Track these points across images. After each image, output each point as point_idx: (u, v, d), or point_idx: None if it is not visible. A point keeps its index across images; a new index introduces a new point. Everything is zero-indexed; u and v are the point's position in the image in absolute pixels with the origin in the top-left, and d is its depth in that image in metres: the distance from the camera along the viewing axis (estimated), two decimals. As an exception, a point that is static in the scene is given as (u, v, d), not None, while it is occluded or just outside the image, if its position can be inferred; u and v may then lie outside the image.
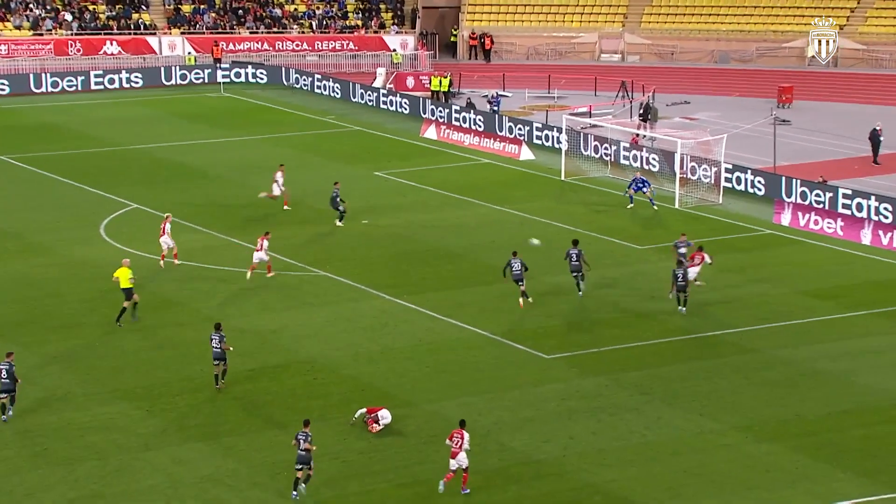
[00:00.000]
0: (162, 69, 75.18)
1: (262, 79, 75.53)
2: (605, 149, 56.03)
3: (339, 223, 45.38)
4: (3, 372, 29.83)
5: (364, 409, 29.54)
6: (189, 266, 40.94)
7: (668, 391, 31.78)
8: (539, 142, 59.49)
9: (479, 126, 62.04)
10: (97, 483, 26.98)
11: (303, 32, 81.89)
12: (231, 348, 31.92)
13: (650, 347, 34.75)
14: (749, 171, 51.67)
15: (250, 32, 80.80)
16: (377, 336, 35.38)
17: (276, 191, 47.69)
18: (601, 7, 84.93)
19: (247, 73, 75.60)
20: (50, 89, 72.20)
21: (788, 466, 28.01)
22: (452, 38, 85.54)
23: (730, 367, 33.45)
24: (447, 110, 64.60)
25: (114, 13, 79.93)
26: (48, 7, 79.41)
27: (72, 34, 77.35)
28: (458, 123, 62.96)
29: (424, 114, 65.42)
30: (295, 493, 26.43)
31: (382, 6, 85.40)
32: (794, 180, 49.46)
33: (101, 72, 73.75)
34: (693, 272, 38.38)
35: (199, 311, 36.83)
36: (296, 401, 31.05)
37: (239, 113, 68.08)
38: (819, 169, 54.24)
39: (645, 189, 48.59)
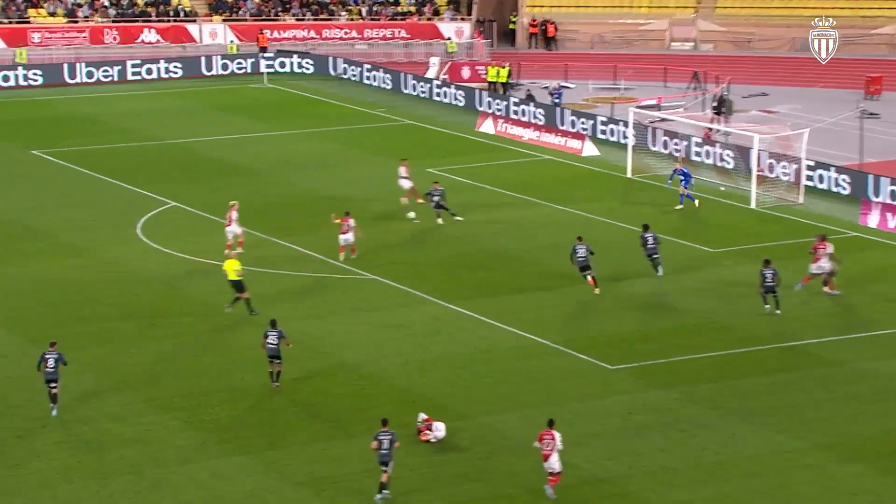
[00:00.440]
0: (202, 58, 75.74)
1: (307, 69, 75.89)
2: (676, 144, 55.75)
3: (457, 218, 45.76)
4: (51, 361, 30.38)
5: (425, 416, 29.62)
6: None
7: (744, 406, 31.55)
8: (604, 137, 59.30)
9: (540, 120, 61.96)
10: (132, 498, 27.18)
11: (351, 19, 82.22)
12: (290, 345, 32.11)
13: (723, 358, 34.51)
14: (833, 169, 51.23)
15: (296, 19, 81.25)
16: (429, 344, 35.43)
17: (407, 185, 47.82)
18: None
19: (292, 63, 76.01)
20: (85, 80, 72.98)
21: (876, 489, 27.73)
22: (511, 26, 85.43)
23: (811, 381, 33.16)
24: (505, 103, 64.58)
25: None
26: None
27: (109, 21, 78.17)
28: (516, 117, 62.92)
29: (480, 106, 65.42)
30: (379, 495, 26.61)
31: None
32: (882, 178, 49.02)
33: (138, 61, 74.43)
34: (824, 266, 38.29)
35: (240, 315, 37.03)
36: (342, 412, 31.14)
37: (283, 105, 68.49)
38: (909, 166, 53.81)
39: (685, 182, 48.09)
